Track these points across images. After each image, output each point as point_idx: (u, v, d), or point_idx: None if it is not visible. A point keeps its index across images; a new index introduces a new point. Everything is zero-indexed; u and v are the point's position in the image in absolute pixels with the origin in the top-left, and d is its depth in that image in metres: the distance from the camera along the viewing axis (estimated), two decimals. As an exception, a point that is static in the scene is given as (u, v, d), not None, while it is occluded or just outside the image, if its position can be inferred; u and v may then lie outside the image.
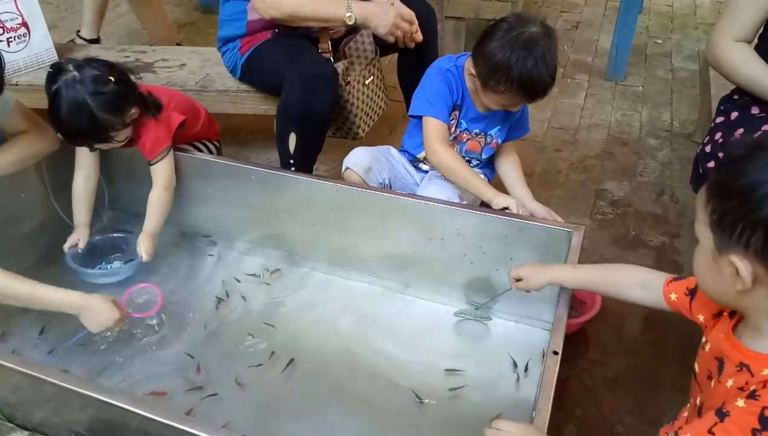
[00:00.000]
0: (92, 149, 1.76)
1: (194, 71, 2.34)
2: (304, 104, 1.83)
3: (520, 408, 1.46)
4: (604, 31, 3.61)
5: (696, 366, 1.10)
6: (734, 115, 1.62)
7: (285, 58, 1.91)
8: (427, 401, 1.48)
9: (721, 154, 1.61)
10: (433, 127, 1.67)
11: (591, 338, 1.70)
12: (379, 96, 2.13)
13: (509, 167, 1.84)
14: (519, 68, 1.51)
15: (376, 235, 1.71)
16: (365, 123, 2.09)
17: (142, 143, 1.74)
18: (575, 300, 1.70)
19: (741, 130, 1.58)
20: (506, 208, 1.59)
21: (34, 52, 2.36)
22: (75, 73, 1.56)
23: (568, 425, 1.48)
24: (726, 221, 0.85)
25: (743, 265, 0.85)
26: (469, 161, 1.80)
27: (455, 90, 1.70)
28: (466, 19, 3.18)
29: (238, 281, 1.84)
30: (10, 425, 1.37)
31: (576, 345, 1.65)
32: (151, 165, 1.75)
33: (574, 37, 3.57)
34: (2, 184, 1.67)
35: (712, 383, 1.01)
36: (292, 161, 1.93)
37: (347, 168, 1.78)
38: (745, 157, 0.86)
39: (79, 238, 1.82)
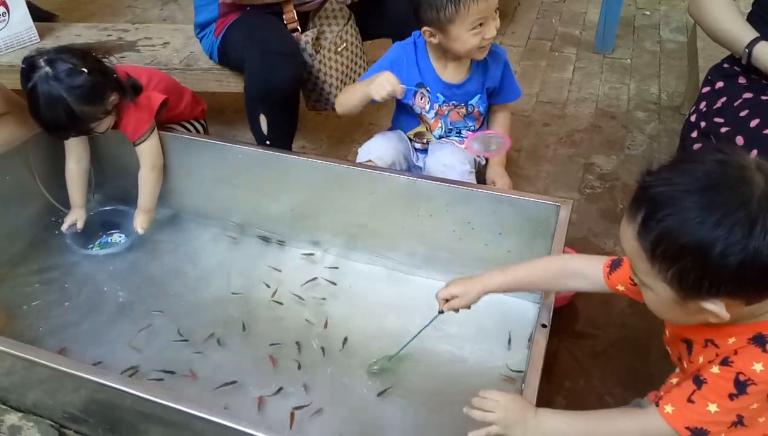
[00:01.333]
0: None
1: (178, 49, 2.31)
2: (266, 84, 1.81)
3: (510, 380, 1.48)
4: (591, 3, 3.58)
5: (668, 349, 1.11)
6: (719, 84, 1.63)
7: (246, 37, 1.88)
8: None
9: (703, 124, 1.62)
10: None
11: (580, 312, 1.71)
12: (355, 62, 2.07)
13: (493, 125, 1.87)
14: None
15: (364, 212, 1.71)
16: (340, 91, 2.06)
17: (123, 126, 1.72)
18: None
19: (724, 99, 1.59)
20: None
21: (14, 32, 2.32)
22: (47, 69, 1.54)
23: (558, 397, 1.50)
24: (687, 279, 0.82)
25: (717, 307, 0.84)
26: (458, 132, 1.79)
27: (408, 63, 1.71)
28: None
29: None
30: (4, 407, 1.37)
31: (565, 318, 1.66)
32: (136, 146, 1.74)
33: (561, 10, 3.54)
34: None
35: (685, 364, 1.02)
36: (268, 143, 1.92)
37: (370, 160, 1.74)
38: (669, 203, 0.81)
39: (76, 218, 1.83)
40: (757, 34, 1.55)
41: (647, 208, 0.83)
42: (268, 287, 1.74)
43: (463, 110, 1.76)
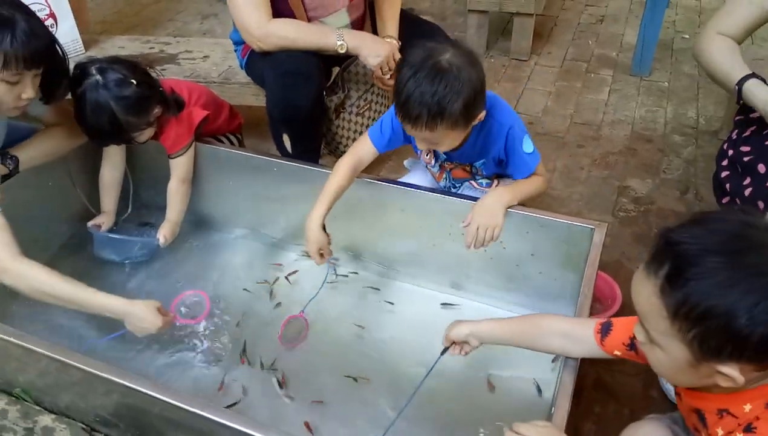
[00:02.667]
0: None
1: (217, 63, 2.36)
2: (285, 104, 1.82)
3: (539, 406, 1.46)
4: (629, 25, 3.56)
5: (683, 415, 1.08)
6: (754, 113, 1.60)
7: (265, 59, 1.89)
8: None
9: (731, 152, 1.59)
10: (357, 145, 1.61)
11: (611, 336, 1.68)
12: (371, 118, 2.09)
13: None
14: (398, 80, 1.34)
15: (395, 229, 1.72)
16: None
17: (164, 139, 1.77)
18: (594, 297, 1.69)
19: (754, 127, 1.57)
20: None
21: (61, 43, 2.39)
22: (98, 77, 1.59)
23: (587, 423, 1.48)
24: (709, 343, 0.80)
25: (733, 371, 0.82)
26: (458, 186, 1.72)
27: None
28: (490, 13, 3.17)
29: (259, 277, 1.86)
30: (38, 408, 1.40)
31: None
32: (171, 158, 1.78)
33: (598, 32, 3.53)
34: (29, 172, 1.71)
35: (703, 435, 0.99)
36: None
37: None
38: (696, 262, 0.79)
39: (103, 221, 1.87)
40: (749, 72, 1.50)
41: (672, 265, 0.81)
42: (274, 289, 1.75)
43: (468, 168, 1.66)
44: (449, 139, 1.41)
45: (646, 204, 2.21)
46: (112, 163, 1.87)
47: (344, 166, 1.58)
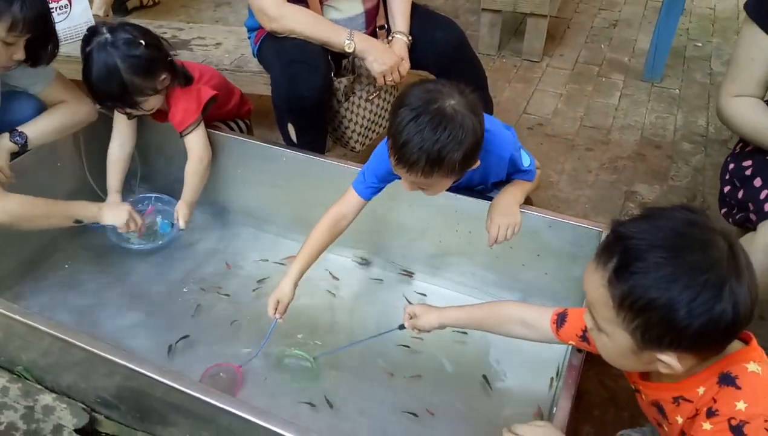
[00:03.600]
0: (129, 117, 1.79)
1: (229, 50, 2.36)
2: (290, 93, 1.81)
3: (536, 406, 1.46)
4: (642, 30, 3.55)
5: (646, 414, 1.10)
6: None
7: (273, 48, 1.88)
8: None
9: (731, 166, 1.59)
10: (342, 198, 1.53)
11: (613, 340, 1.68)
12: (384, 110, 2.07)
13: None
14: (397, 121, 1.26)
15: (402, 224, 1.72)
16: (364, 137, 2.06)
17: (172, 114, 1.75)
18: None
19: None
20: None
21: (74, 24, 2.40)
22: (108, 35, 1.58)
23: (585, 425, 1.48)
24: (650, 333, 0.85)
25: (673, 360, 0.87)
26: None
27: None
28: (503, 13, 3.16)
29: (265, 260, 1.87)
30: (39, 387, 1.40)
31: (598, 346, 1.64)
32: (182, 136, 1.77)
33: (611, 36, 3.51)
34: (39, 153, 1.71)
35: (665, 427, 1.01)
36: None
37: None
38: (642, 257, 0.83)
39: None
40: None
41: (620, 258, 0.85)
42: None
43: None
44: (440, 186, 1.36)
45: (653, 210, 2.20)
46: (121, 139, 1.86)
47: (323, 222, 1.50)
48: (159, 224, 1.90)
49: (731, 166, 1.59)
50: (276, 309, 1.45)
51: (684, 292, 0.81)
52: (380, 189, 1.53)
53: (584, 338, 1.13)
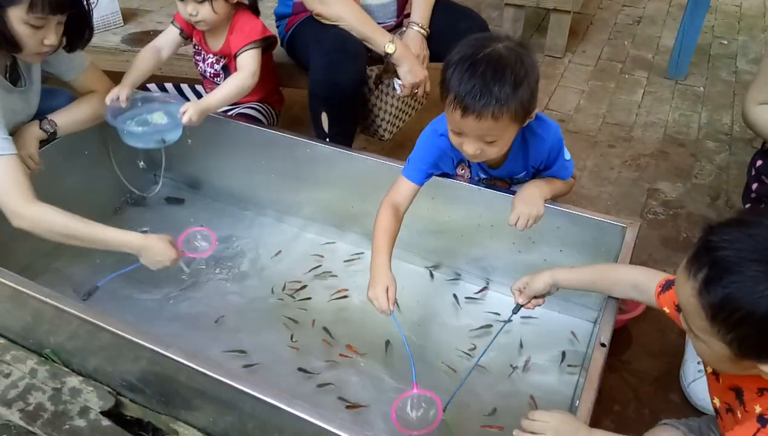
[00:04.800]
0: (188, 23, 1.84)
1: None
2: (328, 80, 1.83)
3: (558, 397, 1.46)
4: (667, 27, 3.52)
5: (715, 400, 1.08)
6: None
7: (312, 36, 1.91)
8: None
9: (759, 163, 1.57)
10: (395, 187, 1.53)
11: (634, 338, 1.68)
12: (409, 105, 2.10)
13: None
14: (453, 73, 1.26)
15: (424, 217, 1.72)
16: (393, 125, 2.08)
17: (237, 30, 1.84)
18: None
19: None
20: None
21: (101, 15, 2.43)
22: None
23: (605, 420, 1.48)
24: (748, 345, 0.83)
25: None
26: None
27: (448, 148, 1.48)
28: (526, 8, 3.15)
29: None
30: (66, 369, 1.42)
31: (618, 342, 1.63)
32: (238, 55, 1.83)
33: (635, 33, 3.49)
34: (67, 140, 1.73)
35: (739, 414, 1.00)
36: (328, 140, 1.95)
37: None
38: (734, 270, 0.81)
39: (120, 92, 1.74)
40: None
41: (710, 270, 0.83)
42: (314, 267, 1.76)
43: (509, 181, 1.62)
44: (506, 137, 1.32)
45: (676, 208, 2.19)
46: (161, 44, 1.91)
47: (384, 210, 1.48)
48: (160, 121, 1.76)
49: (759, 162, 1.58)
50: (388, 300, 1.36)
51: None
52: (430, 175, 1.53)
53: (680, 308, 1.08)
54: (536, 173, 1.56)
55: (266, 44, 1.90)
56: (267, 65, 1.99)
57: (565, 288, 1.33)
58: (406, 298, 1.71)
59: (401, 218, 1.50)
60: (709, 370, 1.08)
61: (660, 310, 1.17)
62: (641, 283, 1.22)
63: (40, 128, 1.64)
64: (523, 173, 1.56)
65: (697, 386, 1.48)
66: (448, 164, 1.59)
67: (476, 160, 1.40)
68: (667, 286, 1.15)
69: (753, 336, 0.81)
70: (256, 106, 2.03)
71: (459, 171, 1.64)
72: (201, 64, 2.00)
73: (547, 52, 3.19)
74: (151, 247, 1.51)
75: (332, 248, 1.89)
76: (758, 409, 0.93)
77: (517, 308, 1.37)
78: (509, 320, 1.40)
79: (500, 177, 1.60)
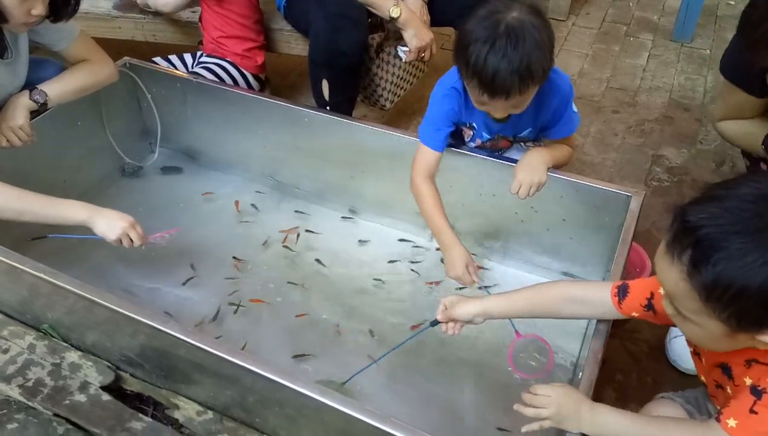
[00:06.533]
0: None
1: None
2: (330, 47, 1.79)
3: (558, 369, 1.46)
4: (673, -12, 3.43)
5: (702, 379, 1.08)
6: None
7: (312, 1, 1.85)
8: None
9: None
10: (420, 157, 1.52)
11: (637, 306, 1.66)
12: (415, 68, 2.07)
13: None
14: (475, 58, 1.26)
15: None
16: (394, 94, 2.05)
17: None
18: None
19: None
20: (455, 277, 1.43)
21: (92, -20, 2.35)
22: None
23: (608, 389, 1.47)
24: (746, 319, 0.82)
25: None
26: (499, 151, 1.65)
27: (459, 109, 1.50)
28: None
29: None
30: (65, 344, 1.42)
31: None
32: None
33: (640, -6, 3.40)
34: (60, 111, 1.69)
35: (729, 389, 0.99)
36: (328, 108, 1.91)
37: None
38: (720, 246, 0.79)
39: None
40: None
41: (695, 251, 0.81)
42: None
43: (511, 139, 1.60)
44: (528, 97, 1.35)
45: (680, 174, 2.15)
46: None
47: (422, 183, 1.49)
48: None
49: None
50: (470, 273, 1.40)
51: None
52: (449, 134, 1.52)
53: (649, 306, 1.08)
54: (542, 131, 1.53)
55: None
56: (232, 16, 1.97)
57: (500, 318, 1.24)
58: (403, 269, 1.70)
59: (435, 182, 1.52)
60: (691, 349, 1.07)
61: (627, 317, 1.13)
62: (583, 296, 1.16)
63: (30, 99, 1.60)
64: (528, 130, 1.53)
65: (677, 343, 1.49)
66: (460, 119, 1.55)
67: (502, 119, 1.43)
68: (623, 292, 1.11)
69: (750, 308, 0.80)
70: (212, 66, 2.00)
71: (461, 131, 1.61)
72: None
73: (550, 15, 3.10)
74: (105, 212, 1.43)
75: (327, 216, 1.87)
76: (749, 381, 0.93)
77: (435, 322, 1.28)
78: (424, 329, 1.34)
79: (504, 135, 1.57)
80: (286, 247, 1.77)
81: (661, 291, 1.01)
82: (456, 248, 1.41)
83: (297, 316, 1.58)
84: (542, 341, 1.34)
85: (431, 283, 1.67)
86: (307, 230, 1.82)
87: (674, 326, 0.97)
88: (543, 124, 1.51)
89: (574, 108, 1.50)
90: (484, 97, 1.31)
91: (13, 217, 1.41)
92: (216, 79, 1.95)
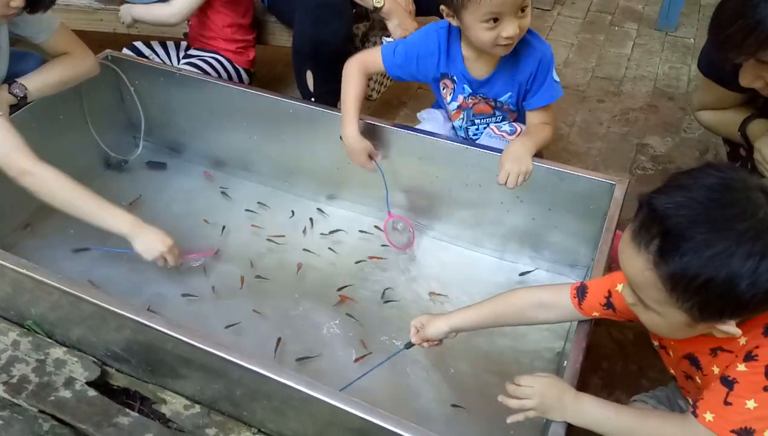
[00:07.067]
0: None
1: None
2: (314, 38, 1.78)
3: (546, 356, 1.47)
4: (657, -23, 3.44)
5: (671, 371, 1.09)
6: None
7: None
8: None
9: None
10: (370, 55, 1.59)
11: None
12: None
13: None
14: None
15: (411, 177, 1.69)
16: (380, 84, 2.04)
17: None
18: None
19: None
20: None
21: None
22: None
23: (593, 377, 1.48)
24: (709, 309, 0.83)
25: (732, 327, 0.85)
26: (486, 126, 1.64)
27: (437, 54, 1.53)
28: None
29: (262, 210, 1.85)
30: (49, 340, 1.40)
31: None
32: None
33: (625, -17, 3.40)
34: (41, 105, 1.67)
35: (698, 379, 1.00)
36: (313, 99, 1.91)
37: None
38: (687, 236, 0.79)
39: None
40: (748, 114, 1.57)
41: (663, 240, 0.81)
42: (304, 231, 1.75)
43: (492, 103, 1.59)
44: (528, 18, 1.38)
45: (665, 163, 2.17)
46: None
47: (355, 72, 1.57)
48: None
49: None
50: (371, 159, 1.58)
51: (744, 264, 0.77)
52: (403, 74, 1.58)
53: (608, 305, 1.09)
54: (524, 100, 1.54)
55: None
56: (226, 12, 1.95)
57: (467, 330, 1.27)
58: (392, 257, 1.71)
59: (368, 79, 1.61)
60: (656, 343, 1.08)
61: (588, 318, 1.14)
62: (546, 300, 1.16)
63: (9, 92, 1.58)
64: (508, 94, 1.54)
65: None
66: (429, 68, 1.56)
67: (512, 43, 1.40)
68: (581, 293, 1.12)
69: (714, 299, 0.81)
70: (209, 59, 1.99)
71: (442, 90, 1.62)
72: None
73: (535, 5, 3.11)
74: (147, 233, 1.46)
75: (314, 207, 1.87)
76: (716, 370, 0.94)
77: (409, 344, 1.30)
78: (398, 352, 1.35)
79: (485, 96, 1.56)
80: (270, 240, 1.77)
81: (619, 288, 1.02)
82: (356, 141, 1.56)
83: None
84: (405, 220, 1.67)
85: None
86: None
87: (635, 320, 0.98)
88: (524, 89, 1.51)
89: (556, 77, 1.51)
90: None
91: (60, 206, 1.44)
92: (198, 72, 1.93)
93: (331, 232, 1.79)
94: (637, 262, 0.84)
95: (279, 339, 1.47)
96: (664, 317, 0.87)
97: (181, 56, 2.10)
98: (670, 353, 1.04)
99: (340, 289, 1.62)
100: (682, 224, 0.80)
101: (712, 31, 1.31)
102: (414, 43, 1.55)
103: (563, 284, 1.17)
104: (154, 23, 2.01)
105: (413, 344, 1.29)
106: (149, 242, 1.46)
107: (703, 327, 0.87)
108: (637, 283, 0.87)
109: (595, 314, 1.12)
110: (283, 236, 1.77)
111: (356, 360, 1.44)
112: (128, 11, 1.98)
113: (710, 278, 0.79)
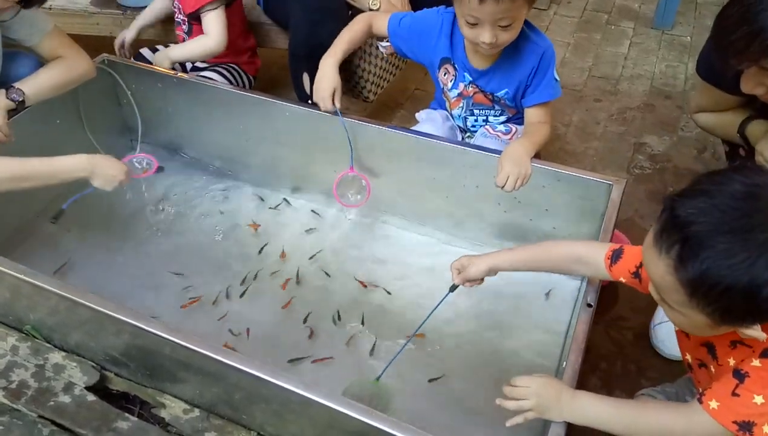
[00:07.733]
0: None
1: (229, 1, 2.28)
2: (310, 40, 1.78)
3: (545, 355, 1.47)
4: (653, -24, 3.44)
5: (687, 356, 1.09)
6: None
7: None
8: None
9: None
10: (379, 17, 1.65)
11: (621, 294, 1.68)
12: (394, 64, 2.07)
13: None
14: None
15: (409, 178, 1.69)
16: (376, 86, 2.04)
17: None
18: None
19: None
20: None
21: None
22: None
23: (592, 377, 1.49)
24: (730, 314, 0.83)
25: (757, 331, 0.85)
26: (485, 119, 1.67)
27: (441, 34, 1.56)
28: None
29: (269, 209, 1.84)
30: (48, 345, 1.40)
31: (605, 299, 1.63)
32: (201, 14, 1.82)
33: (621, -18, 3.41)
34: (37, 109, 1.67)
35: (712, 368, 1.00)
36: (309, 102, 1.90)
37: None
38: (708, 244, 0.79)
39: (126, 36, 2.05)
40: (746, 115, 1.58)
41: (683, 246, 0.81)
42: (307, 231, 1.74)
43: (491, 96, 1.61)
44: (519, 19, 1.40)
45: (663, 162, 2.17)
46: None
47: (362, 23, 1.63)
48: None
49: None
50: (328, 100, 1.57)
51: (764, 273, 0.77)
52: (403, 48, 1.63)
53: (637, 274, 1.09)
54: (522, 96, 1.55)
55: (227, 1, 1.84)
56: (236, 24, 1.93)
57: (507, 270, 1.28)
58: (389, 257, 1.71)
59: (369, 37, 1.67)
60: (677, 327, 1.07)
61: (616, 281, 1.15)
62: (584, 255, 1.18)
63: (8, 98, 1.57)
64: (504, 91, 1.55)
65: (662, 329, 1.51)
66: (427, 47, 1.59)
67: (491, 49, 1.43)
68: (616, 256, 1.13)
69: (735, 306, 0.81)
70: (221, 69, 1.98)
71: (441, 75, 1.62)
72: (179, 25, 1.98)
73: (531, 4, 3.12)
74: (101, 162, 1.50)
75: (308, 209, 1.87)
76: (732, 362, 0.94)
77: (454, 287, 1.31)
78: (445, 297, 1.34)
79: (484, 89, 1.58)
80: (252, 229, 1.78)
81: None
82: (329, 71, 1.58)
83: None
84: (364, 177, 1.66)
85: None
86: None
87: None
88: (522, 85, 1.52)
89: (556, 76, 1.52)
90: (474, 1, 1.32)
91: (14, 185, 1.43)
92: (203, 78, 1.93)
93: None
94: (658, 265, 0.85)
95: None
96: (687, 318, 0.88)
97: (189, 68, 2.09)
98: (690, 338, 1.04)
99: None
100: (702, 232, 0.80)
101: (714, 37, 1.31)
102: (420, 19, 1.60)
103: (603, 243, 1.20)
104: (200, 59, 1.96)
105: (457, 286, 1.30)
106: (105, 177, 1.50)
107: (727, 329, 0.88)
108: (660, 285, 0.88)
109: (622, 279, 1.13)
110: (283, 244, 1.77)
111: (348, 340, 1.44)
112: (165, 55, 1.90)
113: (730, 286, 0.79)
